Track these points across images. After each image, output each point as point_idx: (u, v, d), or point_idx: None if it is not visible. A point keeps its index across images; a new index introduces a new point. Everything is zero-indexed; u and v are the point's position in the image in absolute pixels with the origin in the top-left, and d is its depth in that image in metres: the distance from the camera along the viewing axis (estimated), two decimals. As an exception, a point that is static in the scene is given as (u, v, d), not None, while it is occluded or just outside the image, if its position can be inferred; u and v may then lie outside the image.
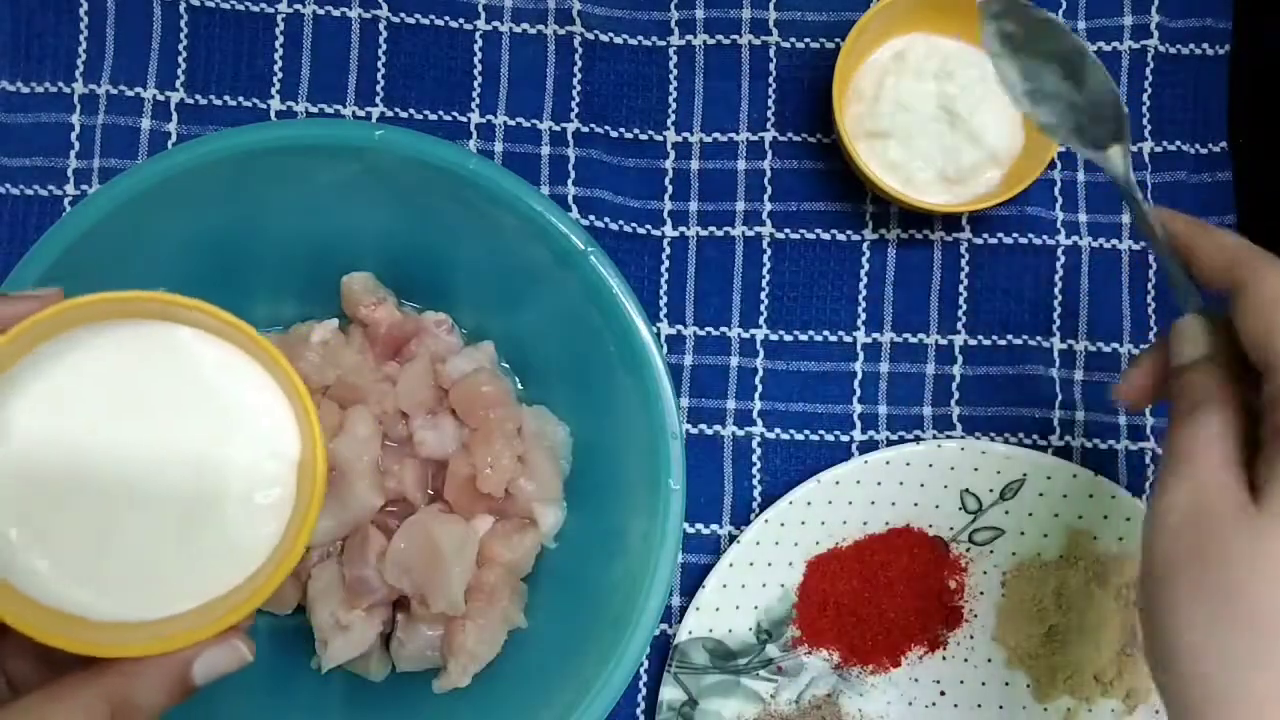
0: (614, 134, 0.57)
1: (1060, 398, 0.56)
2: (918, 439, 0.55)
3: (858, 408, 0.56)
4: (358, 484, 0.48)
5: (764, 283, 0.56)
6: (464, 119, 0.56)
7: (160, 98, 0.56)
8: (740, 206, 0.57)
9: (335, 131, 0.49)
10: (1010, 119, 0.54)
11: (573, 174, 0.56)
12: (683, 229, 0.56)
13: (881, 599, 0.53)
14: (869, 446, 0.55)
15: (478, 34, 0.57)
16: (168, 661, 0.32)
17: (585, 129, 0.57)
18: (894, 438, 0.56)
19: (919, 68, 0.54)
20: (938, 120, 0.54)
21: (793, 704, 0.53)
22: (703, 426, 0.56)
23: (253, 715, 0.50)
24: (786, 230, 0.56)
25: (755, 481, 0.55)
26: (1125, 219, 0.57)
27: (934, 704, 0.54)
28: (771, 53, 0.57)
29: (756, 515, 0.53)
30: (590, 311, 0.49)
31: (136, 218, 0.47)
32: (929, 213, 0.55)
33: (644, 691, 0.54)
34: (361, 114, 0.56)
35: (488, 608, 0.48)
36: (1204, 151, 0.57)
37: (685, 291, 0.56)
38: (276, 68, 0.56)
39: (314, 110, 0.56)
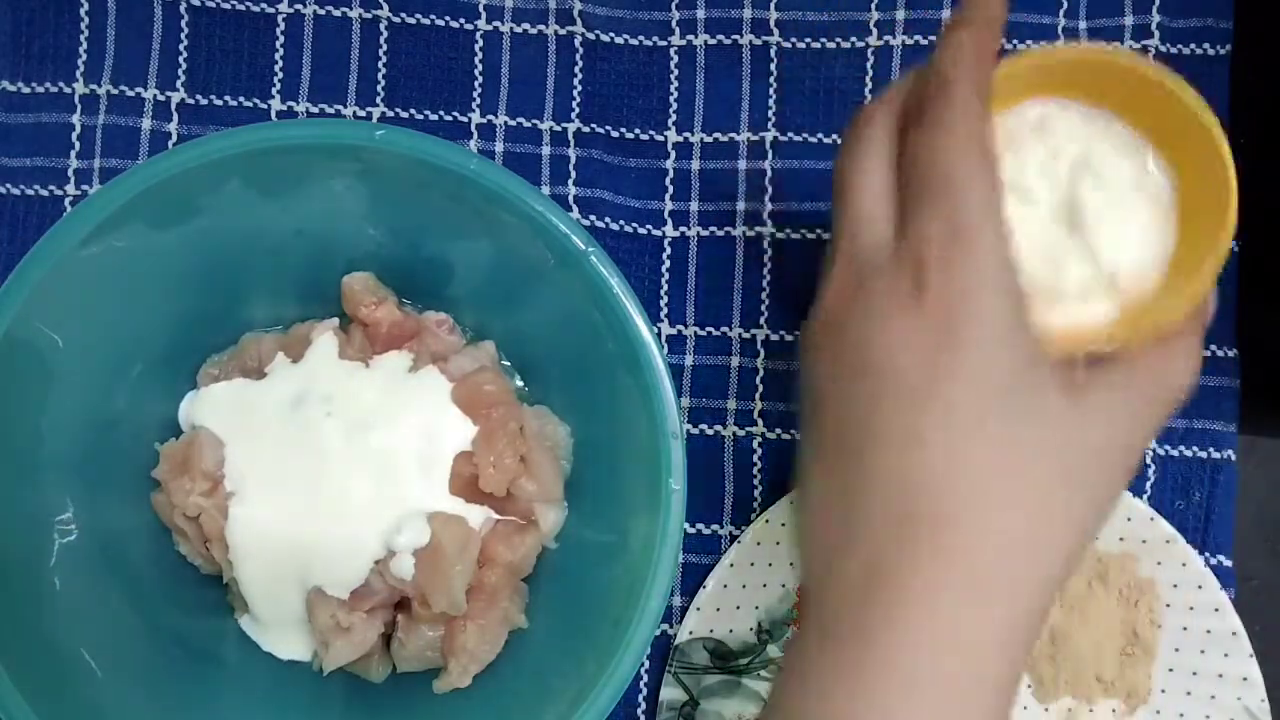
0: (615, 134, 0.57)
1: (1061, 398, 0.56)
2: (918, 439, 0.55)
3: (858, 408, 0.56)
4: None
5: (765, 283, 0.56)
6: (464, 119, 0.56)
7: (160, 98, 0.56)
8: (741, 207, 0.57)
9: (335, 131, 0.49)
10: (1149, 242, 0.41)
11: (573, 174, 0.56)
12: (683, 229, 0.56)
13: (882, 599, 0.53)
14: (869, 446, 0.55)
15: (478, 34, 0.57)
16: None
17: (586, 129, 0.57)
18: (894, 438, 0.56)
19: (1058, 148, 0.40)
20: (1057, 221, 0.40)
21: (793, 704, 0.53)
22: (703, 426, 0.55)
23: (253, 715, 0.50)
24: (788, 230, 0.56)
25: (756, 481, 0.55)
26: (1126, 219, 0.57)
27: (935, 704, 0.54)
28: (773, 53, 0.57)
29: (757, 515, 0.53)
30: (590, 311, 0.49)
31: (137, 218, 0.47)
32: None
33: (644, 691, 0.54)
34: (362, 114, 0.56)
35: (488, 608, 0.48)
36: (1204, 151, 0.57)
37: (685, 291, 0.56)
38: (277, 68, 0.56)
39: (314, 110, 0.56)
